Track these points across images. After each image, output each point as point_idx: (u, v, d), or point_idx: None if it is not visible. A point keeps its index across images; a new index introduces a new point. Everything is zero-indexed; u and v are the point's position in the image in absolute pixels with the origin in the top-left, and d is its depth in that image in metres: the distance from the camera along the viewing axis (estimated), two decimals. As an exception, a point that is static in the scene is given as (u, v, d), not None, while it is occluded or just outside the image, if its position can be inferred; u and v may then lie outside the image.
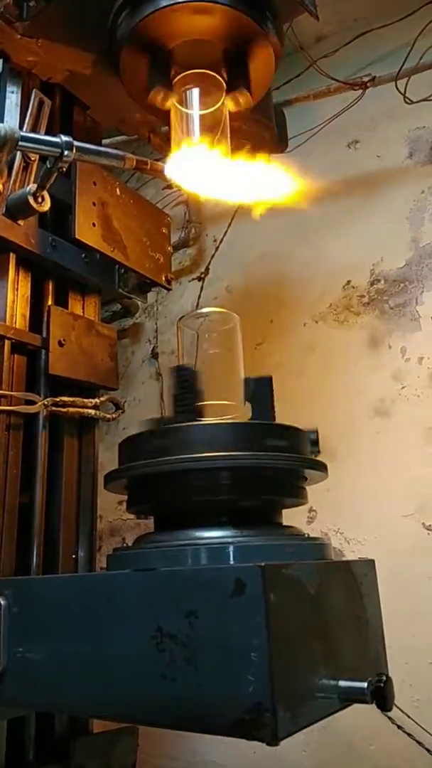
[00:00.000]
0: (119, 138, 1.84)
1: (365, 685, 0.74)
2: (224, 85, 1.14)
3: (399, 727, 1.34)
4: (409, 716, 1.35)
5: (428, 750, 1.33)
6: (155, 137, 1.55)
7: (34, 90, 1.21)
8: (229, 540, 0.78)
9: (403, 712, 1.35)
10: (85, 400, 1.27)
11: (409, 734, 1.34)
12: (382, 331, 1.68)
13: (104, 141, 1.72)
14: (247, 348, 1.86)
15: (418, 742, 1.33)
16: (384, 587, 0.92)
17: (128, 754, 1.16)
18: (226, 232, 1.99)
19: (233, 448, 0.81)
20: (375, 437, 1.61)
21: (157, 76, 1.14)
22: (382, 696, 0.75)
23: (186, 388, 0.87)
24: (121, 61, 1.17)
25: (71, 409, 1.25)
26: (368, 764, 1.39)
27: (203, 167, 1.12)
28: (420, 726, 1.35)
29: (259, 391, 0.89)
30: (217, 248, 2.04)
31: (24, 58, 1.33)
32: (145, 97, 1.23)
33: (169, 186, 1.58)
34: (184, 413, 0.85)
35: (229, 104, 1.16)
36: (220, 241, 2.02)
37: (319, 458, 0.91)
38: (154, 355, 2.14)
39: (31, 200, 0.94)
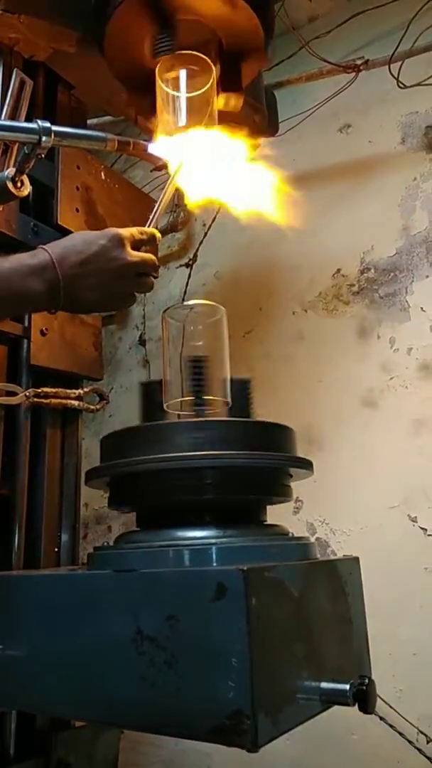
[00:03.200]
0: (106, 118, 1.79)
1: (347, 687, 0.74)
2: (213, 68, 1.10)
3: (381, 718, 1.35)
4: (391, 707, 1.36)
5: (409, 741, 1.33)
6: (142, 118, 1.51)
7: (15, 69, 1.17)
8: (212, 541, 0.77)
9: (385, 702, 1.35)
10: (68, 391, 1.25)
11: (391, 725, 1.35)
12: (371, 321, 1.66)
13: (91, 121, 1.67)
14: (236, 336, 1.84)
15: (400, 733, 1.34)
16: (369, 578, 0.91)
17: (111, 747, 1.16)
18: (215, 217, 1.95)
19: (216, 447, 0.79)
20: (363, 428, 1.60)
21: (167, 44, 1.09)
22: (363, 698, 0.74)
23: (199, 378, 0.86)
24: (114, 27, 1.12)
25: (54, 400, 1.22)
26: (350, 753, 1.40)
27: (187, 153, 1.09)
28: (402, 717, 1.36)
29: (238, 392, 0.88)
30: (206, 233, 2.00)
31: (5, 35, 1.28)
32: (131, 70, 1.19)
33: (158, 168, 1.54)
34: (197, 404, 0.84)
35: (218, 102, 1.13)
36: (209, 227, 1.99)
37: (306, 448, 0.90)
38: (142, 342, 2.11)
39: (9, 185, 0.91)
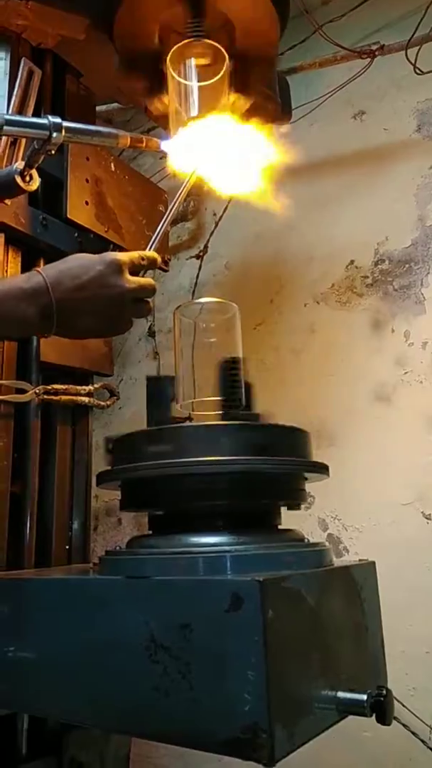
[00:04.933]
0: (114, 105, 1.76)
1: (365, 697, 0.72)
2: (226, 58, 1.07)
3: (394, 716, 1.34)
4: (404, 705, 1.35)
5: (422, 740, 1.33)
6: (151, 106, 1.48)
7: (23, 59, 1.14)
8: (226, 548, 0.75)
9: (398, 701, 1.34)
10: (78, 388, 1.24)
11: (404, 724, 1.34)
12: (385, 314, 1.63)
13: (99, 108, 1.64)
14: (246, 329, 1.82)
15: (413, 732, 1.34)
16: (381, 576, 0.90)
17: (122, 745, 1.16)
18: (226, 207, 1.92)
19: (231, 452, 0.78)
20: (375, 423, 1.58)
21: (198, 29, 1.06)
22: (381, 709, 0.73)
23: (235, 382, 0.84)
24: (125, 11, 1.09)
25: (64, 397, 1.21)
26: (363, 751, 1.40)
27: (200, 145, 1.06)
28: (415, 715, 1.35)
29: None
30: (217, 223, 1.97)
31: (13, 22, 1.25)
32: (141, 56, 1.16)
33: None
34: (232, 408, 0.83)
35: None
36: (221, 217, 1.95)
37: (317, 443, 0.88)
38: (151, 334, 2.09)
39: (18, 180, 0.89)
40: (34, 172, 0.94)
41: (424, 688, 1.36)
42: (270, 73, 1.34)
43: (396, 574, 1.39)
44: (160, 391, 0.89)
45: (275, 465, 0.79)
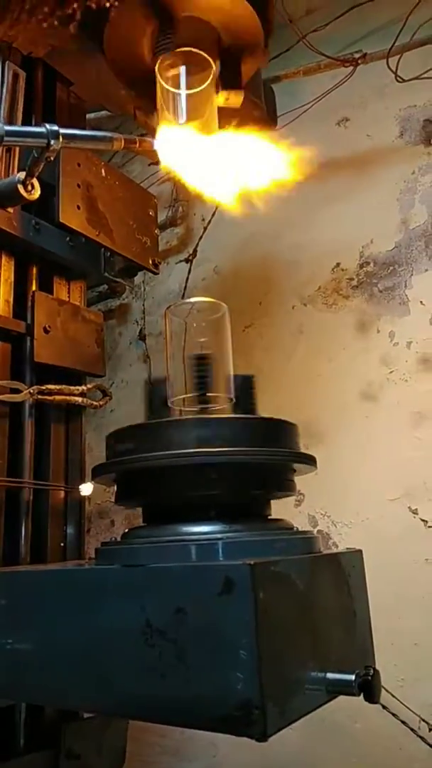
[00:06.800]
0: (103, 113, 1.79)
1: (353, 677, 0.75)
2: (213, 65, 1.11)
3: (383, 706, 1.37)
4: (393, 695, 1.38)
5: (412, 729, 1.36)
6: (141, 114, 1.51)
7: (6, 62, 1.17)
8: (218, 536, 0.78)
9: (388, 691, 1.37)
10: (72, 388, 1.26)
11: (393, 714, 1.37)
12: (370, 315, 1.67)
13: (89, 116, 1.67)
14: (236, 331, 1.84)
15: (403, 722, 1.37)
16: (370, 570, 0.92)
17: (119, 737, 1.18)
18: (214, 212, 1.96)
19: (222, 444, 0.81)
20: (363, 421, 1.62)
21: (167, 42, 1.09)
22: (369, 688, 0.75)
23: (203, 377, 0.87)
24: (114, 24, 1.12)
25: (58, 397, 1.23)
26: (354, 742, 1.42)
27: (190, 149, 1.09)
28: (404, 705, 1.38)
29: (242, 388, 0.89)
30: (205, 228, 2.01)
31: (4, 32, 1.28)
32: (131, 68, 1.19)
33: (156, 162, 1.55)
34: (200, 402, 0.85)
35: (219, 99, 1.14)
36: (209, 222, 1.99)
37: (306, 442, 0.91)
38: (142, 337, 2.12)
39: (20, 189, 0.92)
40: (35, 181, 0.97)
41: (413, 679, 1.40)
42: (255, 79, 1.38)
43: (384, 568, 1.42)
44: (157, 394, 0.91)
45: (264, 456, 0.82)
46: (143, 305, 2.16)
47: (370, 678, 0.75)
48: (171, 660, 0.71)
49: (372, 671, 0.76)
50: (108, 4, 1.06)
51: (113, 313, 2.22)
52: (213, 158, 1.14)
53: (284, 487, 0.88)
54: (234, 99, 1.18)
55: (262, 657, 0.66)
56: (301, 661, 0.74)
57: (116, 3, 1.06)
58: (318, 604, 0.79)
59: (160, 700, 0.72)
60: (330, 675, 0.76)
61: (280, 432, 0.87)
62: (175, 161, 1.02)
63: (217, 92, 1.14)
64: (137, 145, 0.95)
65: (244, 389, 0.90)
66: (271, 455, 0.82)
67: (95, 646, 0.78)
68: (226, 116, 1.38)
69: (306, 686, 0.73)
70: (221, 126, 1.23)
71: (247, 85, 1.31)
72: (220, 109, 1.23)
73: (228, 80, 1.15)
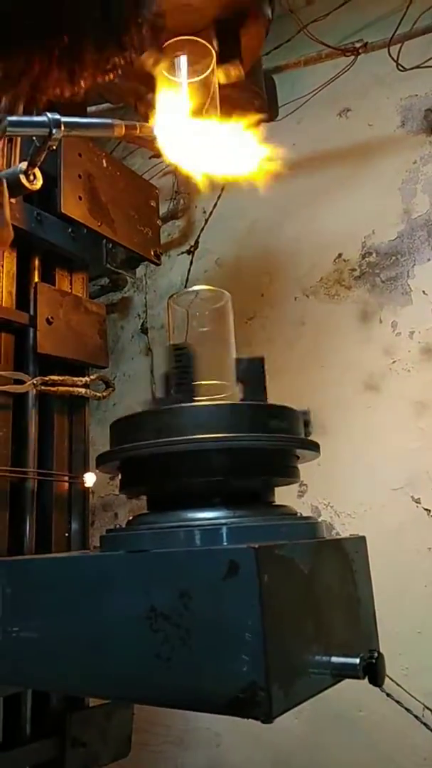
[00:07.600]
0: (104, 105, 1.79)
1: (357, 661, 0.75)
2: (213, 52, 1.10)
3: (388, 694, 1.37)
4: (398, 684, 1.38)
5: (416, 716, 1.36)
6: (142, 105, 1.51)
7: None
8: (222, 521, 0.78)
9: (392, 680, 1.38)
10: (75, 379, 1.26)
11: (398, 701, 1.37)
12: (373, 305, 1.67)
13: (90, 109, 1.67)
14: (238, 322, 1.85)
15: (407, 709, 1.37)
16: (373, 559, 0.93)
17: (124, 726, 1.18)
18: (215, 204, 1.95)
19: (226, 430, 0.81)
20: (365, 411, 1.62)
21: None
22: (373, 672, 0.76)
23: (184, 367, 0.86)
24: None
25: (61, 388, 1.24)
26: (358, 730, 1.43)
27: (191, 138, 1.09)
28: (408, 693, 1.39)
29: (252, 371, 0.88)
30: (206, 220, 2.01)
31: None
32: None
33: (157, 155, 1.55)
34: (183, 393, 0.84)
35: (219, 76, 1.12)
36: (210, 213, 1.99)
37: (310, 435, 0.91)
38: (144, 330, 2.12)
39: (23, 179, 0.92)
40: (37, 171, 0.96)
41: (417, 667, 1.40)
42: (256, 69, 1.37)
43: (388, 558, 1.42)
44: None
45: (267, 441, 0.82)
46: (145, 298, 2.16)
47: (374, 661, 0.75)
48: (176, 644, 0.71)
49: (376, 654, 0.76)
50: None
51: (115, 306, 2.22)
52: (211, 146, 1.14)
53: (288, 473, 0.89)
54: (234, 72, 1.15)
55: (267, 639, 0.66)
56: (305, 644, 0.74)
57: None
58: (322, 588, 0.79)
59: (165, 684, 0.72)
60: (335, 659, 0.76)
61: (283, 418, 0.87)
62: (174, 148, 1.02)
63: (217, 66, 1.12)
64: (138, 130, 0.95)
65: (255, 372, 0.89)
66: (275, 441, 0.83)
67: (101, 632, 0.78)
68: (226, 106, 1.38)
69: (311, 669, 0.74)
70: (222, 117, 1.23)
71: (247, 75, 1.31)
72: (221, 101, 1.22)
73: (226, 53, 1.13)
